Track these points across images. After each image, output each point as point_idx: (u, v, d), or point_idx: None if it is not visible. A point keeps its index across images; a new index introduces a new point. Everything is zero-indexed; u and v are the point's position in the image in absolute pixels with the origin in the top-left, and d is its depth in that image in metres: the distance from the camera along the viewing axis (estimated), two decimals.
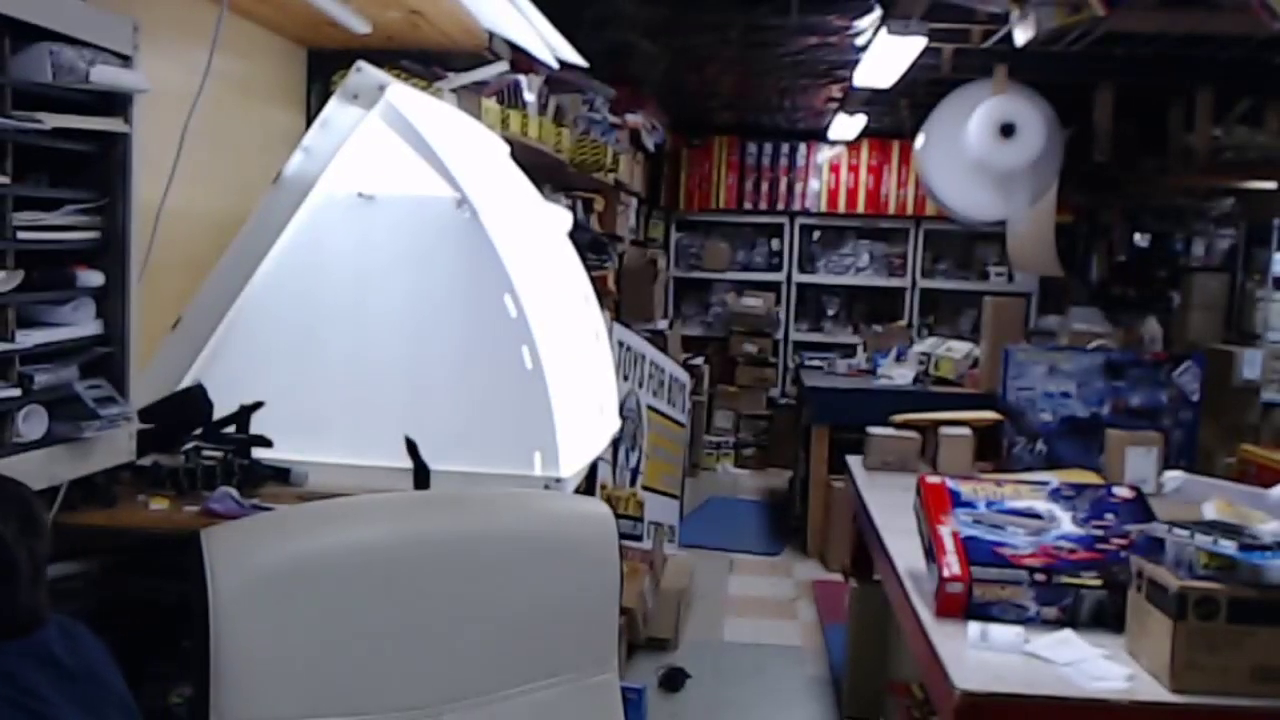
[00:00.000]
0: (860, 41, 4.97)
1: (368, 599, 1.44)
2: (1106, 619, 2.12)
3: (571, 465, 2.42)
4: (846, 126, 7.55)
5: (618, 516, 4.76)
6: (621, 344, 4.88)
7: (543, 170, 4.41)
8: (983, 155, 4.94)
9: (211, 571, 1.35)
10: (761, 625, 4.98)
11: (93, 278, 1.94)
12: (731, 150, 8.86)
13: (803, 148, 8.75)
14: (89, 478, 2.05)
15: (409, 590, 1.47)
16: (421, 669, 1.47)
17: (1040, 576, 2.15)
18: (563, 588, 1.55)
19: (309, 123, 2.77)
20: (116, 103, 1.95)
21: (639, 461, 5.08)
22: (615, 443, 4.58)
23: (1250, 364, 6.23)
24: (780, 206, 8.84)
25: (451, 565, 1.50)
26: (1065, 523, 2.29)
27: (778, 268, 8.94)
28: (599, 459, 3.97)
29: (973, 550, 2.20)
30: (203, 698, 1.33)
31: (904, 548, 2.52)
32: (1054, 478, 2.67)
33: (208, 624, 1.34)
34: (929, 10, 4.05)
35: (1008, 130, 4.90)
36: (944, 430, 3.54)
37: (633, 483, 5.00)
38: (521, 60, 3.72)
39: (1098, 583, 2.15)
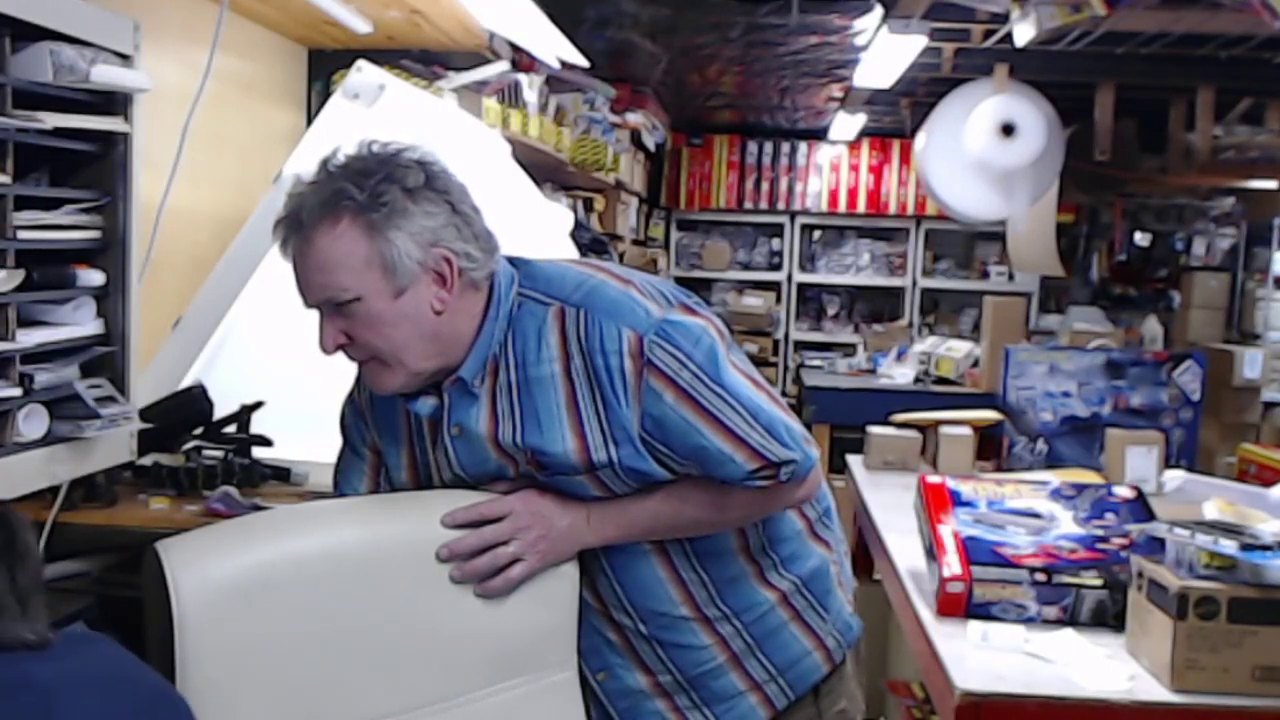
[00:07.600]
0: (861, 41, 4.97)
1: (333, 604, 1.44)
2: (1107, 619, 2.12)
3: None
4: (847, 126, 7.54)
5: None
6: None
7: (543, 170, 4.42)
8: (983, 155, 4.93)
9: (175, 585, 1.33)
10: None
11: (93, 277, 1.94)
12: (732, 150, 8.85)
13: (803, 147, 8.73)
14: (90, 477, 2.05)
15: (373, 594, 1.47)
16: (388, 675, 1.47)
17: (1041, 576, 2.14)
18: (523, 587, 1.56)
19: (309, 122, 2.77)
20: (117, 102, 1.94)
21: None
22: None
23: (1251, 364, 6.21)
24: (780, 206, 8.83)
25: (414, 567, 1.50)
26: (1066, 522, 2.28)
27: (778, 267, 8.94)
28: None
29: (973, 550, 2.20)
30: None
31: (904, 547, 2.52)
32: (1054, 477, 2.66)
33: (172, 639, 1.32)
34: (929, 9, 4.04)
35: (1008, 130, 4.89)
36: (944, 430, 3.53)
37: None
38: (522, 60, 3.71)
39: (1098, 582, 2.14)
